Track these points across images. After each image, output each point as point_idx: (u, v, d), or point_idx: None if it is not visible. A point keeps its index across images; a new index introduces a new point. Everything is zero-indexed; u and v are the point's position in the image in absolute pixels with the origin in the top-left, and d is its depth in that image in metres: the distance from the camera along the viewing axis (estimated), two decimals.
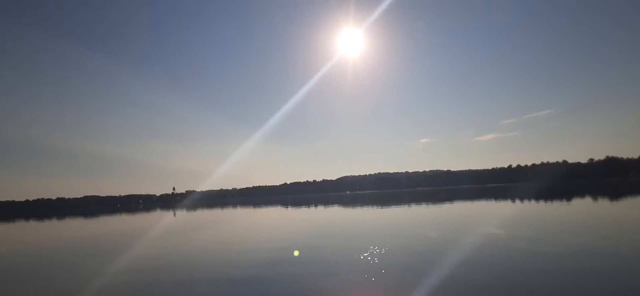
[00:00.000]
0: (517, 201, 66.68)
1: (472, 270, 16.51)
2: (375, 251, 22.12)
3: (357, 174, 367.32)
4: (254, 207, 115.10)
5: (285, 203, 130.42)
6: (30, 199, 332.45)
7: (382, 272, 17.12)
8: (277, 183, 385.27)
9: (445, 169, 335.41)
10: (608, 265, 16.18)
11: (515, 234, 27.15)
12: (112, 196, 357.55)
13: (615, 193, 74.12)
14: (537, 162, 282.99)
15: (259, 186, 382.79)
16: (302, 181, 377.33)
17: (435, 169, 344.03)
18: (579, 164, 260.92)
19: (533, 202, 62.61)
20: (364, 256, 20.75)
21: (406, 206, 71.97)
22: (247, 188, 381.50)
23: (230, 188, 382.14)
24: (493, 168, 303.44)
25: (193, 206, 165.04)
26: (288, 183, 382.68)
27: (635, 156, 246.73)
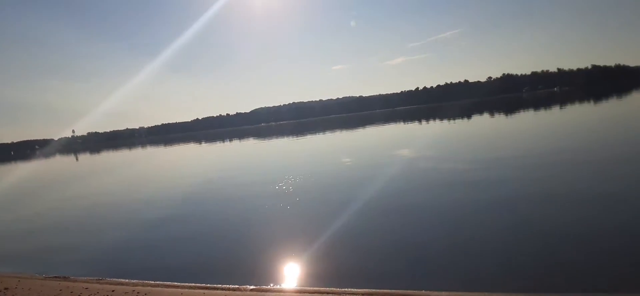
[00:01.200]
0: (423, 122, 70.34)
1: (383, 189, 16.97)
2: (291, 180, 22.01)
3: (271, 105, 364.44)
4: (165, 146, 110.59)
5: (198, 139, 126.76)
6: None
7: (296, 200, 17.05)
8: (189, 119, 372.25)
9: (357, 95, 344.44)
10: (506, 172, 17.45)
11: (422, 154, 28.45)
12: (3, 144, 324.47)
13: (509, 108, 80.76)
14: (442, 83, 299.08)
15: (169, 123, 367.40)
16: (214, 115, 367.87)
17: (348, 95, 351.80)
18: (479, 82, 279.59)
19: (437, 122, 66.35)
20: (279, 186, 20.56)
21: (321, 134, 72.99)
22: (155, 126, 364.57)
23: (138, 127, 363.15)
24: (402, 91, 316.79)
25: (97, 149, 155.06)
26: (200, 118, 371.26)
27: (528, 72, 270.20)
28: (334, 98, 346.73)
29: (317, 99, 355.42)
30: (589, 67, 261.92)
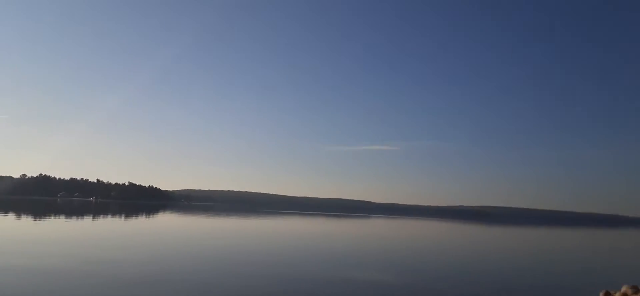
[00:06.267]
0: None
1: None
2: None
3: None
4: None
5: None
6: None
7: None
8: None
9: None
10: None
11: None
12: None
13: (40, 211, 76.20)
14: None
15: None
16: None
17: None
18: (10, 177, 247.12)
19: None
20: None
21: None
22: None
23: None
24: None
25: None
26: None
27: (67, 177, 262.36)
28: None
29: None
30: (126, 183, 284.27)
